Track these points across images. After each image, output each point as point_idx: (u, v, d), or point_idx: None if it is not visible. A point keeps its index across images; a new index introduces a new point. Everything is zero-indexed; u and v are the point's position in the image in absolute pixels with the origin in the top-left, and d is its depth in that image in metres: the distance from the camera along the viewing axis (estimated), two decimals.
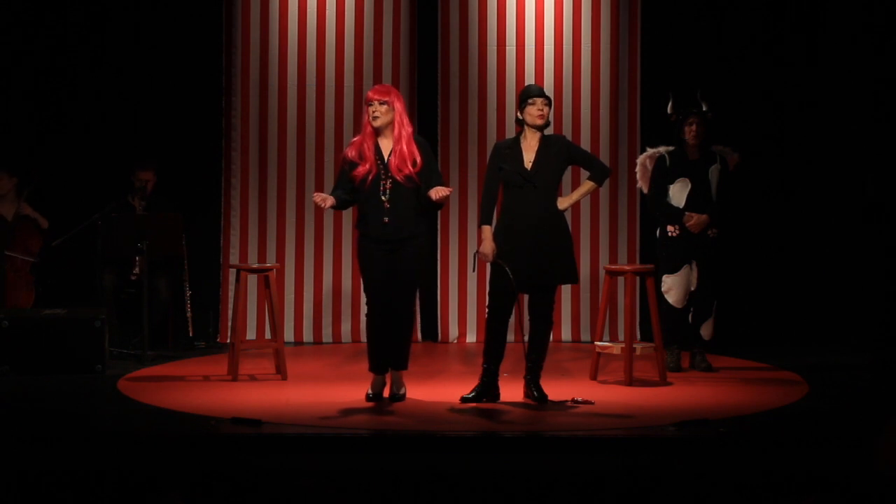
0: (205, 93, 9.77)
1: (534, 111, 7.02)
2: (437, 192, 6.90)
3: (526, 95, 7.08)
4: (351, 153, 7.06)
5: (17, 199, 9.35)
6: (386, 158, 6.99)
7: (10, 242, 9.23)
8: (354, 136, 7.71)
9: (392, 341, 7.07)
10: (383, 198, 6.96)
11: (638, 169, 8.52)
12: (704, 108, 8.19)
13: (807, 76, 9.73)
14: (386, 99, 7.00)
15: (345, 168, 7.10)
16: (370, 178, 6.96)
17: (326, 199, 7.01)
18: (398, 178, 6.94)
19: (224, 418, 6.44)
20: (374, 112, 6.98)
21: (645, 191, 8.48)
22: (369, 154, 6.99)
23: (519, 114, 7.10)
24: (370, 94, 7.07)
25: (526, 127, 7.08)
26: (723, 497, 5.61)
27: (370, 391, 7.12)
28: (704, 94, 8.25)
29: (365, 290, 7.17)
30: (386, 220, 6.95)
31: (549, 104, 7.06)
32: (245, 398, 7.17)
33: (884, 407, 7.05)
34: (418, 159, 6.97)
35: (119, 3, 9.74)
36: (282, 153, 9.84)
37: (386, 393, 7.15)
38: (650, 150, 8.44)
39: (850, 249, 9.66)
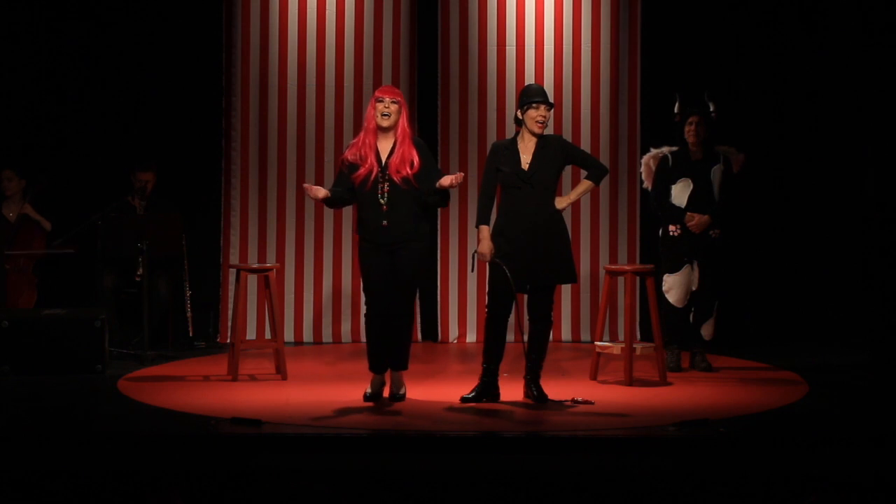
0: (205, 93, 9.77)
1: (535, 116, 6.99)
2: (447, 178, 6.89)
3: (529, 97, 7.04)
4: (350, 155, 7.06)
5: (21, 201, 9.36)
6: (385, 160, 6.99)
7: (13, 243, 9.23)
8: (354, 135, 7.72)
9: (392, 342, 7.08)
10: (381, 201, 6.96)
11: (642, 169, 8.53)
12: (711, 109, 8.19)
13: (807, 75, 9.74)
14: (398, 99, 7.02)
15: (343, 171, 7.09)
16: (370, 179, 6.95)
17: (319, 191, 7.00)
18: (396, 179, 6.93)
19: (224, 418, 6.44)
20: (385, 109, 6.98)
21: (650, 190, 8.48)
22: (369, 154, 6.99)
23: (519, 113, 7.08)
24: (381, 93, 7.06)
25: (524, 128, 7.07)
26: (723, 497, 5.61)
27: (368, 390, 7.12)
28: (711, 94, 8.24)
29: (364, 292, 7.17)
30: (385, 223, 6.94)
31: (551, 109, 7.05)
32: (245, 398, 7.17)
33: (884, 407, 7.05)
34: (416, 161, 6.97)
35: (119, 4, 9.73)
36: (282, 153, 9.84)
37: (386, 393, 7.15)
38: (654, 150, 8.44)
39: (850, 249, 9.67)
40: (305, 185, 7.16)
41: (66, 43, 9.71)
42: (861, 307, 9.59)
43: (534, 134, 7.02)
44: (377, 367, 7.11)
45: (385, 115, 6.98)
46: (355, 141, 7.14)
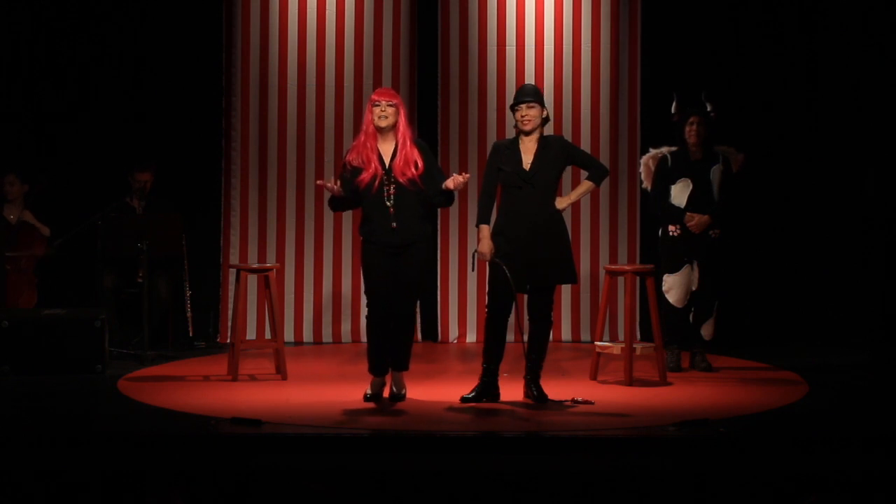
0: (205, 92, 9.77)
1: (518, 117, 7.04)
2: (454, 180, 6.88)
3: (513, 101, 7.10)
4: (352, 159, 7.04)
5: (22, 205, 9.36)
6: (388, 162, 6.99)
7: (14, 244, 9.23)
8: (354, 136, 7.72)
9: (394, 343, 7.07)
10: (388, 203, 6.94)
11: (641, 169, 8.53)
12: (709, 109, 8.19)
13: (806, 75, 9.74)
14: (394, 101, 7.02)
15: (345, 175, 7.05)
16: (376, 183, 6.95)
17: (335, 186, 6.94)
18: (402, 181, 6.93)
19: (224, 418, 6.44)
20: (381, 112, 6.97)
21: (649, 191, 8.48)
22: (372, 157, 6.98)
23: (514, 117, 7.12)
24: (376, 96, 7.06)
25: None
26: (723, 497, 5.61)
27: (369, 391, 7.11)
28: (709, 94, 8.25)
29: (366, 293, 7.14)
30: (394, 225, 6.93)
31: (536, 105, 7.00)
32: (245, 398, 7.17)
33: (884, 407, 7.05)
34: (420, 163, 6.97)
35: (119, 4, 9.73)
36: (282, 153, 9.84)
37: (386, 393, 7.15)
38: (653, 151, 8.45)
39: (850, 249, 9.67)
40: (320, 182, 7.05)
41: (66, 43, 9.71)
42: (861, 307, 9.59)
43: (524, 133, 7.03)
44: (377, 369, 7.10)
45: (383, 117, 6.98)
46: (355, 144, 7.11)
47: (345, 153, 7.24)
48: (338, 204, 7.12)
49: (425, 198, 7.01)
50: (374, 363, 7.11)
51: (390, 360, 7.11)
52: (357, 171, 6.99)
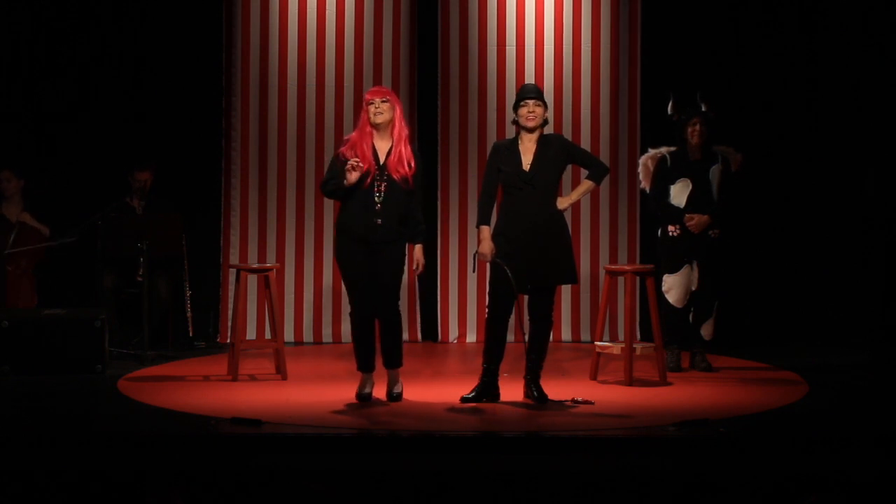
0: (205, 92, 9.77)
1: (524, 112, 7.02)
2: (417, 265, 7.10)
3: (518, 97, 7.10)
4: (347, 153, 7.05)
5: (21, 202, 9.35)
6: (383, 159, 6.99)
7: (14, 243, 9.22)
8: None
9: (383, 343, 7.09)
10: (376, 199, 6.95)
11: (640, 169, 8.53)
12: (704, 109, 8.20)
13: (806, 75, 9.74)
14: (388, 97, 7.04)
15: (338, 167, 7.06)
16: (368, 179, 6.94)
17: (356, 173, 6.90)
18: (395, 177, 6.94)
19: (224, 418, 6.44)
20: (376, 109, 6.99)
21: (648, 191, 8.49)
22: (367, 153, 6.98)
23: (515, 114, 7.11)
24: (370, 94, 7.08)
25: (521, 128, 7.09)
26: (723, 497, 5.61)
27: (359, 391, 7.11)
28: (704, 94, 8.25)
29: (350, 291, 7.11)
30: (379, 221, 6.93)
31: (542, 104, 7.04)
32: (245, 398, 7.17)
33: (884, 407, 7.05)
34: (413, 163, 6.99)
35: (119, 4, 9.73)
36: (282, 153, 9.84)
37: (377, 393, 7.12)
38: (652, 151, 8.45)
39: (850, 249, 9.67)
40: (354, 163, 6.91)
41: (66, 43, 9.71)
42: (861, 307, 9.59)
43: (528, 130, 7.03)
44: (366, 365, 7.11)
45: (378, 113, 7.00)
46: (351, 138, 7.12)
47: (341, 145, 7.23)
48: (333, 191, 7.09)
49: (410, 201, 7.01)
50: (361, 360, 7.12)
51: (385, 359, 7.12)
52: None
